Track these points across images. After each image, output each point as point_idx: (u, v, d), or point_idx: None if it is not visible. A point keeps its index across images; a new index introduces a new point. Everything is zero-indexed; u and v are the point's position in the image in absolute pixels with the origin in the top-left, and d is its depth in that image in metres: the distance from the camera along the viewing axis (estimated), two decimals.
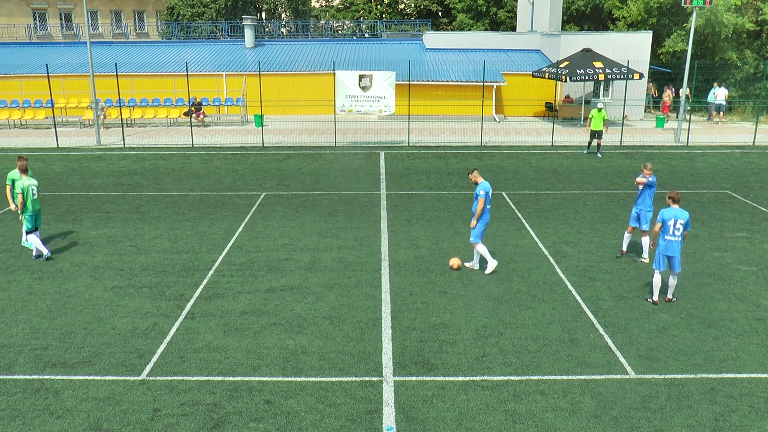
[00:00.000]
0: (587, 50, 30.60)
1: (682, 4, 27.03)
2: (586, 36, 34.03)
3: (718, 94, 32.00)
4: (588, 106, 32.78)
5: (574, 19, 47.46)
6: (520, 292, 11.84)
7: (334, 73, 26.51)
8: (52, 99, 27.79)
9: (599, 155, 24.23)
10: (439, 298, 11.60)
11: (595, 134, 24.04)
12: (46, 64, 29.11)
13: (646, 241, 13.35)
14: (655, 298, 11.34)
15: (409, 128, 28.27)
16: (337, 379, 8.96)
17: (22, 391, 8.70)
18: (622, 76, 29.09)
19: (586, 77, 29.02)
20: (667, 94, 33.63)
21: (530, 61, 35.24)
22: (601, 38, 33.05)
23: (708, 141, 27.63)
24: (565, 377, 8.98)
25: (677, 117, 30.24)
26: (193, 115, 30.84)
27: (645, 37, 33.11)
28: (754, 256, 13.78)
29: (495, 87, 32.73)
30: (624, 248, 13.78)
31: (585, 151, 24.95)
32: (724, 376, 9.01)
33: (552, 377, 8.97)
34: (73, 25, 51.55)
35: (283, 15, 66.22)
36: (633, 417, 8.08)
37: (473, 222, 12.43)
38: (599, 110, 23.84)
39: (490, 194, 12.58)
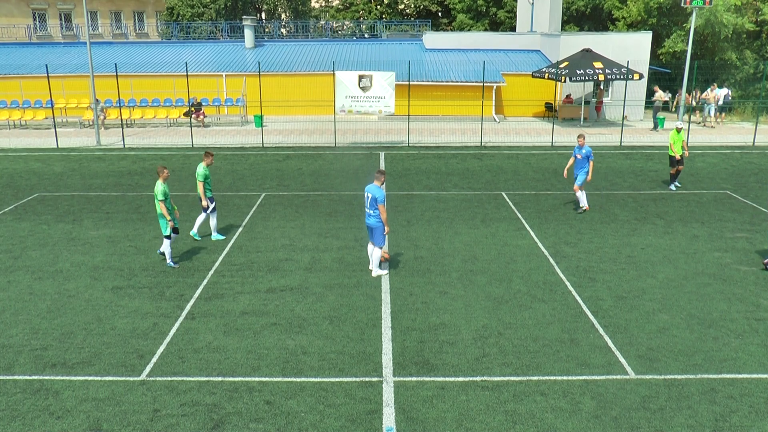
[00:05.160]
0: (587, 50, 30.60)
1: (682, 5, 27.06)
2: (585, 36, 34.03)
3: (712, 96, 31.75)
4: (587, 106, 32.78)
5: (573, 20, 47.49)
6: (520, 293, 11.83)
7: (333, 74, 26.52)
8: (51, 99, 27.80)
9: (678, 184, 19.74)
10: (439, 298, 11.60)
11: (676, 161, 19.25)
12: (46, 65, 29.13)
13: (581, 195, 16.84)
14: None
15: (409, 128, 28.28)
16: (337, 379, 8.96)
17: (22, 391, 8.70)
18: (621, 77, 29.09)
19: (586, 77, 29.02)
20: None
21: (530, 62, 35.25)
22: (601, 38, 33.06)
23: (708, 141, 27.63)
24: (565, 377, 8.98)
25: (678, 117, 30.26)
26: (193, 115, 30.84)
27: (645, 38, 33.11)
28: (754, 256, 13.78)
29: (495, 87, 32.74)
30: (584, 205, 16.94)
31: (673, 187, 19.55)
32: (724, 377, 9.01)
33: (552, 377, 8.97)
34: (73, 25, 51.55)
35: (283, 15, 66.24)
36: (633, 417, 8.08)
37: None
38: (678, 131, 19.02)
39: (366, 197, 12.27)
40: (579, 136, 16.84)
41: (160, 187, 12.75)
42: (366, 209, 12.35)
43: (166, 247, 13.09)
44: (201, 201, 14.47)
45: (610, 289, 11.99)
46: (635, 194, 18.88)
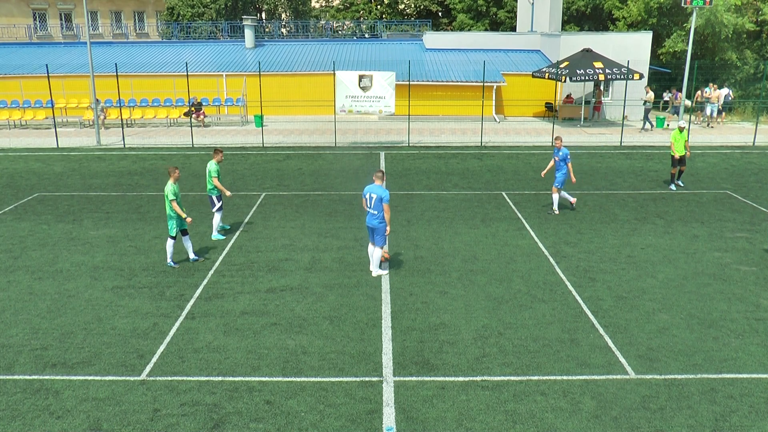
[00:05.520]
0: (587, 50, 30.59)
1: (682, 5, 27.01)
2: (586, 36, 34.02)
3: (712, 96, 31.55)
4: (587, 106, 32.77)
5: (574, 20, 47.50)
6: (520, 292, 11.83)
7: (334, 73, 26.52)
8: (52, 99, 27.80)
9: (680, 183, 19.68)
10: (439, 298, 11.60)
11: (679, 160, 19.23)
12: (46, 65, 29.12)
13: (556, 197, 16.81)
14: None
15: (409, 128, 28.28)
16: (337, 379, 8.96)
17: (22, 391, 8.70)
18: (622, 77, 29.08)
19: (586, 77, 29.02)
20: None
21: (530, 62, 35.24)
22: (601, 38, 33.04)
23: (708, 141, 27.63)
24: (565, 377, 8.98)
25: (679, 117, 30.22)
26: (193, 115, 30.84)
27: (645, 38, 33.10)
28: (754, 256, 13.78)
29: (495, 87, 32.73)
30: (555, 208, 16.91)
31: (673, 187, 19.49)
32: (724, 376, 9.01)
33: (552, 377, 8.97)
34: (73, 25, 51.57)
35: (283, 15, 66.26)
36: (633, 417, 8.08)
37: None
38: (681, 130, 19.03)
39: (365, 197, 12.24)
40: (556, 138, 16.74)
41: (170, 187, 12.76)
42: (369, 210, 12.27)
43: (169, 246, 13.09)
44: (223, 193, 14.78)
45: (610, 289, 11.99)
46: (635, 194, 18.88)
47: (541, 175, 17.89)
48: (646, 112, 30.22)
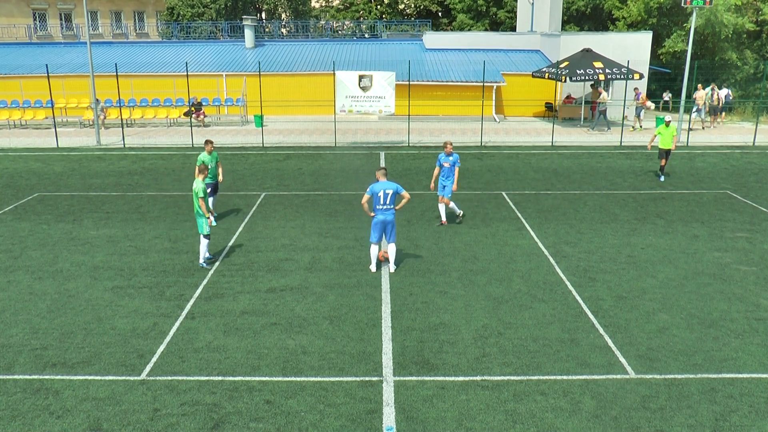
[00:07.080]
0: (587, 50, 30.58)
1: (682, 4, 26.98)
2: (586, 36, 34.01)
3: (699, 97, 30.92)
4: (587, 106, 32.76)
5: (574, 20, 47.49)
6: (520, 292, 11.83)
7: (334, 74, 26.52)
8: (52, 99, 27.81)
9: (662, 179, 20.43)
10: (439, 298, 11.60)
11: (665, 154, 20.16)
12: (46, 64, 29.11)
13: (443, 208, 15.74)
14: None
15: (409, 128, 28.27)
16: (337, 379, 8.96)
17: (22, 391, 8.70)
18: (622, 77, 29.07)
19: (586, 77, 29.01)
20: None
21: (530, 62, 35.24)
22: (601, 38, 33.04)
23: (708, 141, 27.63)
24: (565, 377, 8.98)
25: (679, 117, 30.18)
26: (193, 115, 30.84)
27: (645, 38, 33.10)
28: (754, 256, 13.79)
29: (495, 87, 32.73)
30: (444, 218, 15.78)
31: (661, 178, 20.45)
32: (724, 376, 9.01)
33: (552, 377, 8.97)
34: (73, 25, 51.57)
35: (283, 15, 66.27)
36: (633, 417, 8.09)
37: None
38: (667, 125, 19.92)
39: (379, 195, 12.31)
40: (445, 144, 15.30)
41: (200, 185, 12.76)
42: (384, 206, 12.36)
43: (203, 246, 13.05)
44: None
45: (610, 289, 11.99)
46: (635, 194, 18.88)
47: (431, 187, 16.23)
48: (600, 113, 29.78)
